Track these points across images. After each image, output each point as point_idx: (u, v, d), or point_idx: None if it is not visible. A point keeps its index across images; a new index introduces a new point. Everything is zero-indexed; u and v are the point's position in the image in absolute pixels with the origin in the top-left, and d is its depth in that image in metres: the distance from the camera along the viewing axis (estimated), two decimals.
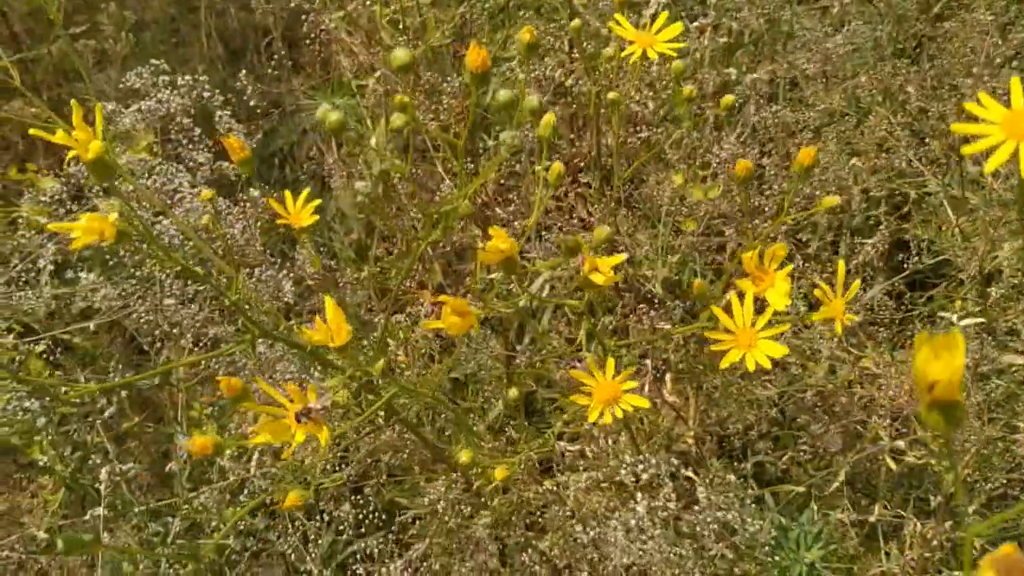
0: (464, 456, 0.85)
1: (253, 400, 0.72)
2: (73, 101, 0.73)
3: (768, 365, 0.71)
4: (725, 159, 1.30)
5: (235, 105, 1.48)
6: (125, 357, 1.62)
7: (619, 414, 0.77)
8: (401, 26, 1.35)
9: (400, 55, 0.64)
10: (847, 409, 1.41)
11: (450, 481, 1.05)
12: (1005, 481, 1.29)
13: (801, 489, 1.19)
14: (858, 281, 0.75)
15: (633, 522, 1.13)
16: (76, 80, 2.09)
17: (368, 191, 0.76)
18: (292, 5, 1.59)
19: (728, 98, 0.90)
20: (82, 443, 1.51)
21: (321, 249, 1.85)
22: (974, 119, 0.56)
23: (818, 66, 1.67)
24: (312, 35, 1.60)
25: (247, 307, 0.91)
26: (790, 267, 0.75)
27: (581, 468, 1.29)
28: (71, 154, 0.74)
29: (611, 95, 0.90)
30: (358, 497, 1.36)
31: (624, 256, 0.75)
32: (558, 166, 0.75)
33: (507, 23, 1.46)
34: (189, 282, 1.35)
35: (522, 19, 1.51)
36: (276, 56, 1.86)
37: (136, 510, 1.35)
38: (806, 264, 1.44)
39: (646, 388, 1.32)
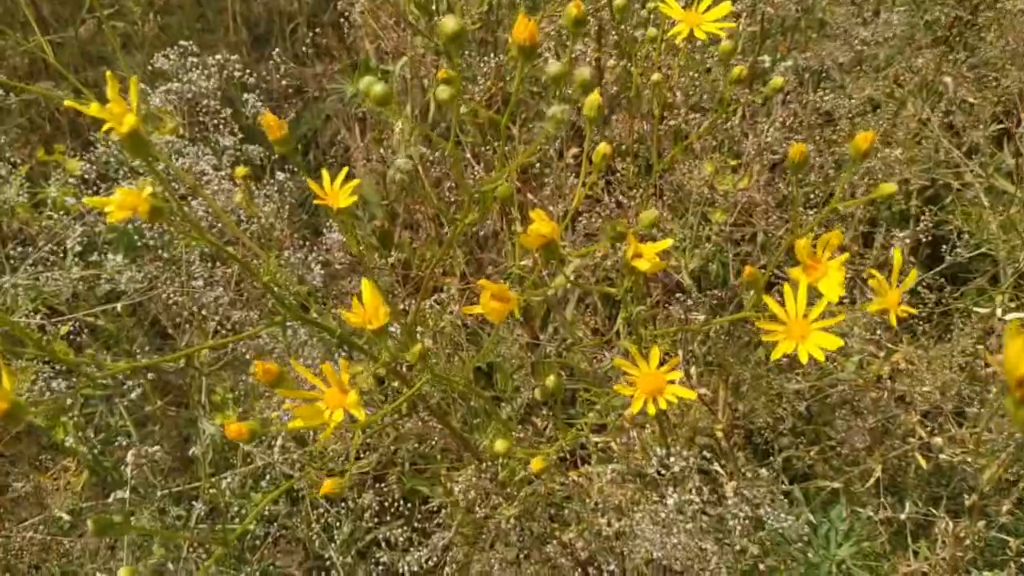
0: (500, 445, 0.83)
1: (290, 385, 0.70)
2: (108, 73, 0.72)
3: (821, 357, 0.68)
4: (762, 147, 1.27)
5: (260, 89, 1.46)
6: (148, 340, 1.62)
7: (663, 405, 0.75)
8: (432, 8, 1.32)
9: (449, 23, 0.61)
10: (877, 404, 1.38)
11: (480, 470, 1.03)
12: None
13: (837, 485, 1.16)
14: (915, 271, 0.72)
15: (663, 515, 1.12)
16: (101, 64, 2.09)
17: (408, 168, 0.74)
18: None
19: (778, 80, 0.87)
20: (105, 425, 1.51)
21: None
22: None
23: (852, 55, 1.63)
24: (340, 19, 1.59)
25: (276, 289, 0.90)
26: (845, 256, 0.72)
27: (608, 459, 1.27)
28: (105, 127, 0.73)
29: (655, 77, 0.88)
30: (381, 485, 1.35)
31: (670, 242, 0.73)
32: (604, 146, 0.72)
33: (538, 6, 1.44)
34: (214, 265, 1.34)
35: (551, 4, 1.48)
36: (302, 40, 1.85)
37: (159, 493, 1.35)
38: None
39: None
